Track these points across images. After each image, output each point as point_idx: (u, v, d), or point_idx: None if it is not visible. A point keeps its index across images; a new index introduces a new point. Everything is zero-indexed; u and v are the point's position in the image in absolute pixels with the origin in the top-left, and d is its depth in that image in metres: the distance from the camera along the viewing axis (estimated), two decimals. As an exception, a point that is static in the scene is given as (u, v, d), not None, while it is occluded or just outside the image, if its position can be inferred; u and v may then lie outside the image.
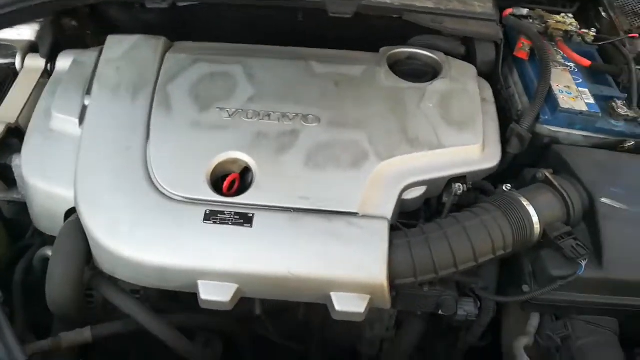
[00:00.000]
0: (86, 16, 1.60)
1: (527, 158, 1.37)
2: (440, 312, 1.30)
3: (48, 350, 1.11)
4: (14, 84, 1.39)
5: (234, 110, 1.27)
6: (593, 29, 1.57)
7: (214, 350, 1.37)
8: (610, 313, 1.20)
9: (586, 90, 1.38)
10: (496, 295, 1.26)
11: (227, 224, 1.10)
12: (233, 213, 1.11)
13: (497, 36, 1.46)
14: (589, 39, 1.56)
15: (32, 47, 1.47)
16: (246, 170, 1.21)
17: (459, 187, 1.25)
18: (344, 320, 1.13)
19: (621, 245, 1.16)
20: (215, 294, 1.08)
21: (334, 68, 1.39)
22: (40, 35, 1.47)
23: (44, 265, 1.23)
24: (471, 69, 1.43)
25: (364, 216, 1.15)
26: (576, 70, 1.44)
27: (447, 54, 1.47)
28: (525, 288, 1.20)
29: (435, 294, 1.28)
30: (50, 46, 1.45)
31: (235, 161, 1.20)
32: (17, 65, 1.44)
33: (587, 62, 1.44)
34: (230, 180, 1.17)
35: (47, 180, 1.19)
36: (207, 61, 1.38)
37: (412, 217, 1.29)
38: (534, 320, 1.25)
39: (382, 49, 1.45)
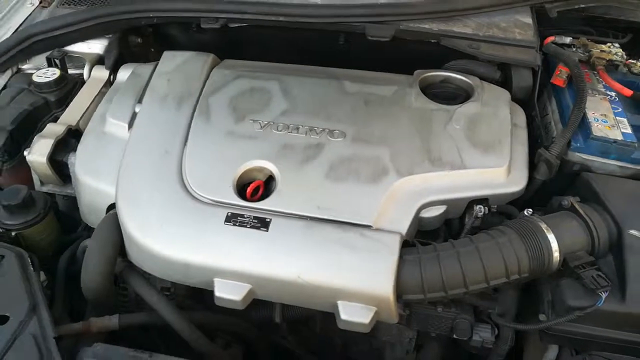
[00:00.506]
0: (150, 35, 1.77)
1: (558, 186, 1.35)
2: (454, 335, 1.29)
3: (79, 333, 1.22)
4: (80, 91, 1.55)
5: (265, 122, 1.35)
6: (642, 60, 1.52)
7: (234, 353, 1.42)
8: (633, 352, 1.14)
9: (624, 119, 1.34)
10: (512, 323, 1.23)
11: (246, 226, 1.17)
12: (252, 217, 1.18)
13: (534, 62, 1.45)
14: (637, 69, 1.51)
15: (99, 60, 1.65)
16: (271, 179, 1.28)
17: (479, 209, 1.25)
18: (350, 330, 1.15)
19: (647, 279, 1.11)
20: (228, 292, 1.15)
21: (365, 88, 1.45)
22: (107, 49, 1.64)
23: (85, 255, 1.35)
24: (504, 94, 1.43)
25: (377, 229, 1.17)
26: (617, 99, 1.41)
27: (482, 78, 1.48)
28: (542, 317, 1.17)
29: (450, 315, 1.28)
30: (115, 59, 1.61)
31: (261, 169, 1.28)
32: (85, 75, 1.62)
33: (628, 92, 1.40)
34: (254, 186, 1.25)
35: (95, 177, 1.32)
36: (248, 77, 1.48)
37: (432, 237, 1.30)
38: (551, 352, 1.20)
39: (416, 72, 1.49)
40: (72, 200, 1.46)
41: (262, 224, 1.17)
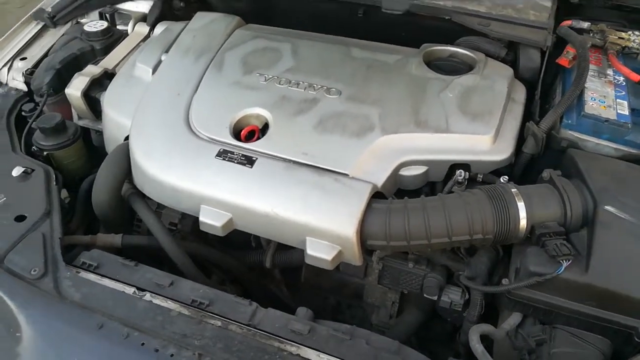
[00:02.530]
0: (192, 1, 1.94)
1: (549, 164, 1.34)
2: (424, 294, 1.33)
3: (87, 244, 1.38)
4: (122, 42, 1.74)
5: (270, 76, 1.46)
6: (663, 50, 1.48)
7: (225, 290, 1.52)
8: (599, 329, 1.13)
9: (625, 102, 1.32)
10: (475, 285, 1.25)
11: (233, 162, 1.28)
12: (240, 154, 1.29)
13: (542, 43, 1.46)
14: (657, 59, 1.47)
15: (143, 18, 1.84)
16: (267, 127, 1.39)
17: (460, 174, 1.28)
18: (315, 265, 1.22)
19: (612, 253, 1.11)
20: (211, 218, 1.26)
21: (371, 55, 1.52)
22: (151, 9, 1.82)
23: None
24: (507, 70, 1.45)
25: (352, 178, 1.24)
26: (623, 84, 1.39)
27: (488, 55, 1.50)
28: (505, 281, 1.18)
29: (420, 273, 1.33)
30: (156, 18, 1.79)
31: (257, 116, 1.39)
32: (129, 29, 1.81)
33: (636, 77, 1.38)
34: (249, 130, 1.36)
35: (118, 111, 1.49)
36: (265, 38, 1.61)
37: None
38: (513, 318, 1.21)
39: (422, 45, 1.54)
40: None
41: (248, 161, 1.28)
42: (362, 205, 1.19)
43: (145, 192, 1.38)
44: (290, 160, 1.28)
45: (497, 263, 1.30)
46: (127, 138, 1.46)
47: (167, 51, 1.60)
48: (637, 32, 1.52)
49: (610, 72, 1.43)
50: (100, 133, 1.66)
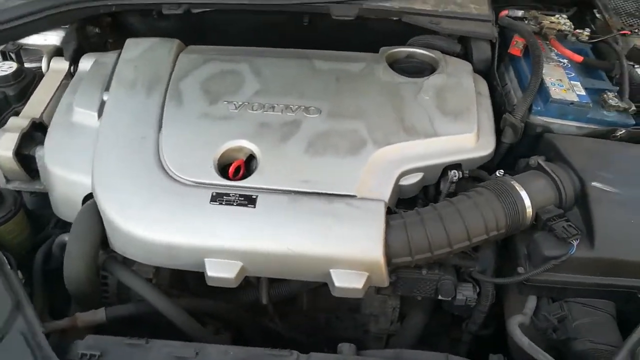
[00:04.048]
0: (108, 24, 1.72)
1: (523, 149, 1.43)
2: (439, 297, 1.34)
3: (64, 329, 1.18)
4: (40, 84, 1.50)
5: (240, 103, 1.35)
6: (587, 29, 1.63)
7: (223, 339, 1.41)
8: (606, 294, 1.23)
9: (578, 83, 1.43)
10: (493, 278, 1.29)
11: (232, 204, 1.17)
12: (238, 195, 1.18)
13: (492, 35, 1.53)
14: (583, 38, 1.62)
15: (57, 52, 1.59)
16: (251, 158, 1.29)
17: (454, 174, 1.30)
18: (344, 296, 1.17)
19: (611, 226, 1.20)
20: (220, 271, 1.15)
21: (335, 65, 1.48)
22: (65, 40, 1.59)
23: (62, 251, 1.30)
24: (467, 66, 1.50)
25: (362, 199, 1.21)
26: (569, 65, 1.51)
27: (444, 52, 1.54)
28: (520, 270, 1.24)
29: (434, 277, 1.33)
30: (74, 50, 1.56)
31: (240, 149, 1.28)
32: (43, 67, 1.56)
33: (579, 58, 1.50)
34: (236, 165, 1.25)
35: (67, 168, 1.28)
36: (217, 60, 1.48)
37: (410, 205, 1.34)
38: (531, 302, 1.27)
39: (381, 49, 1.53)
40: (41, 197, 1.41)
41: (249, 201, 1.18)
42: (381, 225, 1.16)
43: (128, 256, 1.21)
44: (292, 192, 1.21)
45: (499, 254, 1.36)
46: (87, 197, 1.27)
47: (107, 89, 1.41)
48: (563, 15, 1.66)
49: (553, 55, 1.54)
50: (36, 195, 1.42)
